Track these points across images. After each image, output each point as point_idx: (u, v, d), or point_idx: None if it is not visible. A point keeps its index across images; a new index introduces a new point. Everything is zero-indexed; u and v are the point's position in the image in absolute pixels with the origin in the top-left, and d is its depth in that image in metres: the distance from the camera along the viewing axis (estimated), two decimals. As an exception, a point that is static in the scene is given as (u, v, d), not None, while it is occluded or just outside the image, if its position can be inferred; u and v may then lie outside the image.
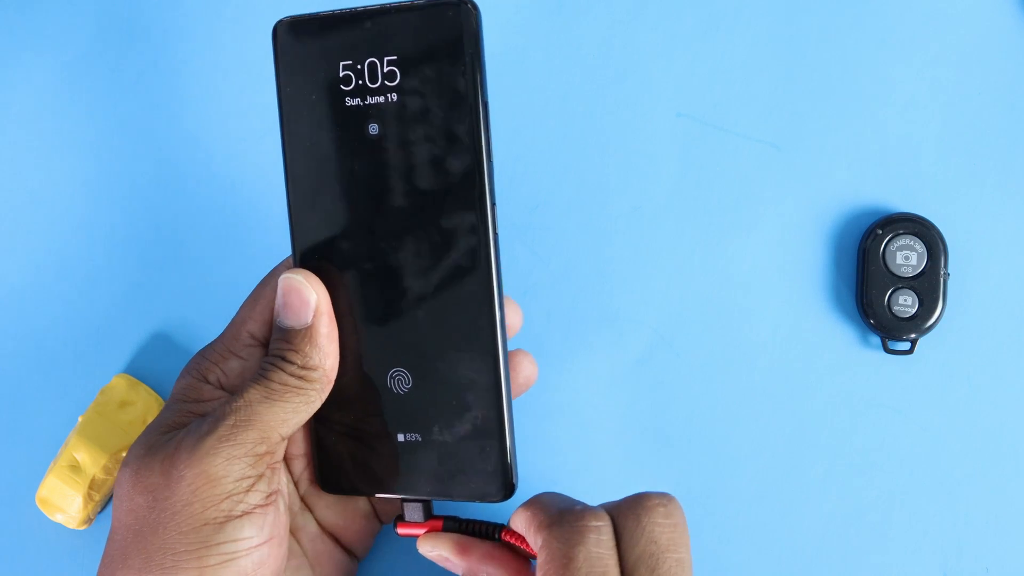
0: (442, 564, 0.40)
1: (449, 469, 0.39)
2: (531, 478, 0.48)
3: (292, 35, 0.38)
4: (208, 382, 0.39)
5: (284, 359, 0.37)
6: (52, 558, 0.50)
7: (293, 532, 0.41)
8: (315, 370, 0.38)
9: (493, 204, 0.37)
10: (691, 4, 0.51)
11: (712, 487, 0.49)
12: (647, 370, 0.50)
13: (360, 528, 0.42)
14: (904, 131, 0.50)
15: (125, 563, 0.35)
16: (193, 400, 0.38)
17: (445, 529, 0.40)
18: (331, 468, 0.40)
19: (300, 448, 0.41)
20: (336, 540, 0.42)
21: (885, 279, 0.48)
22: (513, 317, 0.41)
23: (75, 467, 0.48)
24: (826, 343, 0.49)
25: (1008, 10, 0.50)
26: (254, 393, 0.37)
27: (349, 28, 0.38)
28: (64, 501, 0.48)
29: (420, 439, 0.39)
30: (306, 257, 0.39)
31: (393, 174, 0.38)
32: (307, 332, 0.38)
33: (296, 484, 0.41)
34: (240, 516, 0.35)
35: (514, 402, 0.41)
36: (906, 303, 0.48)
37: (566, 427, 0.49)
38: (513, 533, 0.40)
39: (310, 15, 0.38)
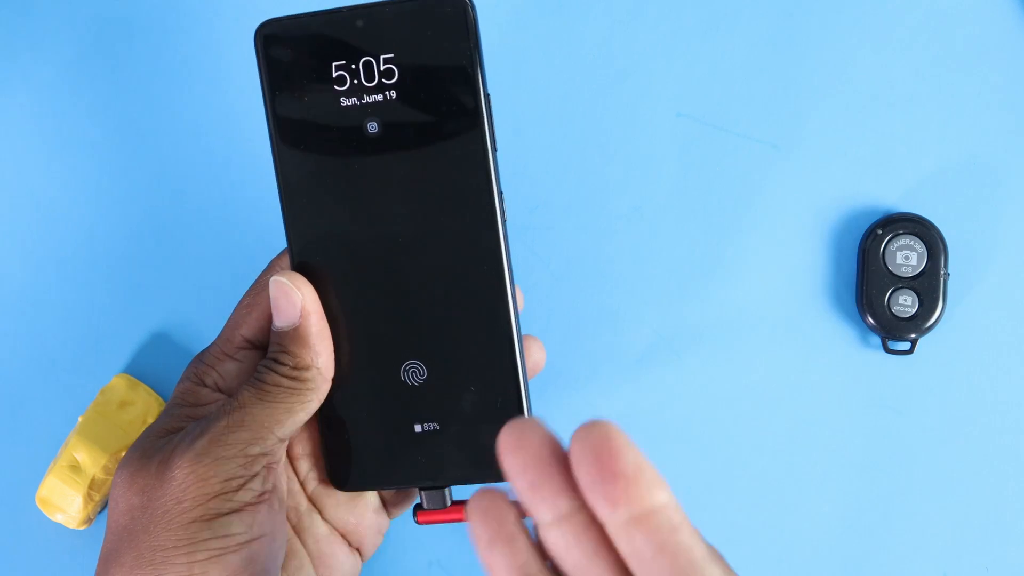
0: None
1: (469, 454, 0.39)
2: (531, 478, 0.48)
3: (277, 36, 0.38)
4: (205, 385, 0.39)
5: (277, 360, 0.38)
6: (52, 558, 0.50)
7: (298, 532, 0.41)
8: (307, 369, 0.38)
9: (500, 193, 0.38)
10: (691, 4, 0.51)
11: (712, 487, 0.49)
12: (647, 370, 0.50)
13: (370, 525, 0.42)
14: (904, 131, 0.50)
15: (118, 560, 0.36)
16: (190, 404, 0.39)
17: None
18: (345, 465, 0.40)
19: (306, 448, 0.41)
20: (344, 539, 0.42)
21: (885, 279, 0.48)
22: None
23: (75, 467, 0.48)
24: (826, 343, 0.49)
25: (1008, 10, 0.50)
26: (247, 395, 0.37)
27: (340, 27, 0.38)
28: (64, 501, 0.48)
29: (438, 427, 0.39)
30: (304, 258, 0.39)
31: (396, 170, 0.38)
32: (296, 332, 0.38)
33: (302, 484, 0.41)
34: (228, 513, 0.36)
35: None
36: (906, 303, 0.48)
37: (565, 427, 0.49)
38: None
39: (295, 16, 0.38)
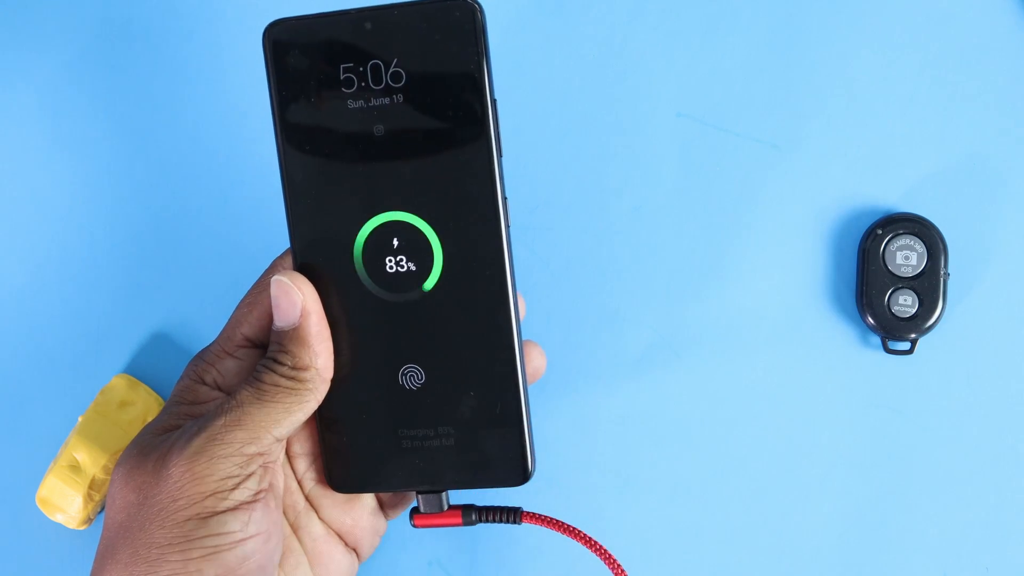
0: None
1: (467, 458, 0.39)
2: (531, 478, 0.48)
3: (285, 37, 0.38)
4: (205, 383, 0.39)
5: (275, 360, 0.38)
6: (52, 558, 0.50)
7: (295, 530, 0.41)
8: (306, 370, 0.38)
9: (504, 199, 0.38)
10: (691, 4, 0.51)
11: (712, 487, 0.49)
12: (647, 370, 0.50)
13: (366, 527, 0.42)
14: (904, 131, 0.50)
15: (114, 557, 0.36)
16: (190, 402, 0.39)
17: (464, 517, 0.41)
18: (342, 467, 0.40)
19: (304, 447, 0.41)
20: (340, 539, 0.42)
21: (885, 279, 0.48)
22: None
23: (75, 467, 0.48)
24: (826, 343, 0.49)
25: (1008, 10, 0.50)
26: (245, 394, 0.37)
27: (349, 29, 0.38)
28: (64, 501, 0.48)
29: (436, 432, 0.39)
30: (307, 259, 0.39)
31: (400, 173, 0.38)
32: (295, 332, 0.38)
33: (300, 483, 0.41)
34: (223, 512, 0.36)
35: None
36: (906, 303, 0.48)
37: (566, 427, 0.50)
38: (533, 515, 0.41)
39: (302, 17, 0.38)
